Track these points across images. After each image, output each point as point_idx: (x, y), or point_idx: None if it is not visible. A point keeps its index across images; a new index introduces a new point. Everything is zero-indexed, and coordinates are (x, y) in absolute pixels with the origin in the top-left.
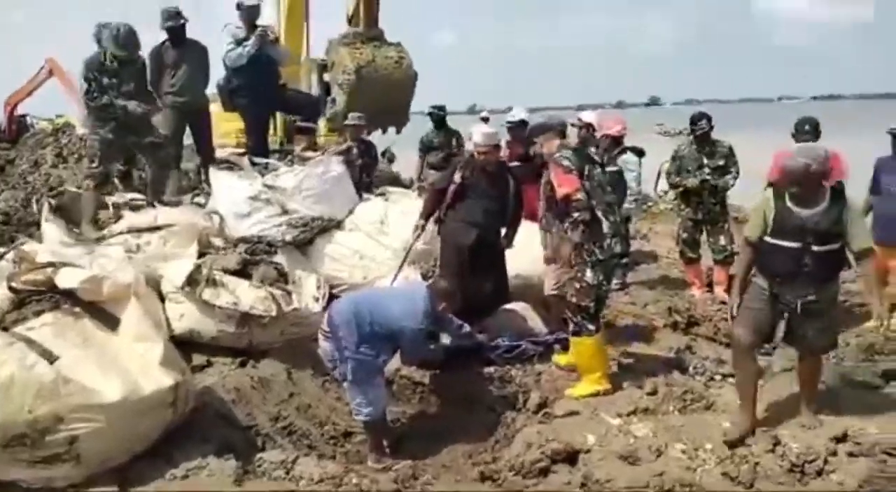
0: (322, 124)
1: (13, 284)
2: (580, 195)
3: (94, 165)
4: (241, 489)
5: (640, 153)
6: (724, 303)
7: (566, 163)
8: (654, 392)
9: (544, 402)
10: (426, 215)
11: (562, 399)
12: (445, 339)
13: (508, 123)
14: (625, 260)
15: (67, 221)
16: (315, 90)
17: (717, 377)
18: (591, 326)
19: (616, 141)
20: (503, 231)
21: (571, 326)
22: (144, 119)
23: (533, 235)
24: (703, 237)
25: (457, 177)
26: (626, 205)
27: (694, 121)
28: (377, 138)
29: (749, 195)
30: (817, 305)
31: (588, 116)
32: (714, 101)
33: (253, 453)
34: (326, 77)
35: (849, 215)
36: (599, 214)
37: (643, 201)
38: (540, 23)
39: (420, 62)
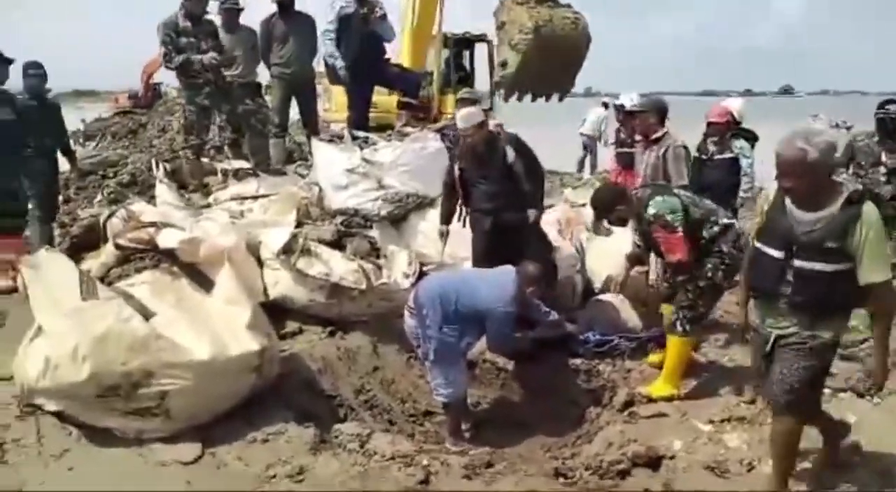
0: (450, 100)
1: (119, 241)
2: (690, 260)
3: (191, 137)
4: None
5: (752, 138)
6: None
7: (670, 218)
8: (752, 401)
9: (631, 400)
10: (446, 219)
11: (650, 399)
12: (534, 329)
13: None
14: None
15: (180, 186)
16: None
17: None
18: (690, 327)
19: (727, 127)
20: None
21: (671, 320)
22: (240, 86)
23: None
24: None
25: (455, 170)
26: (740, 194)
27: (881, 105)
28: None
29: None
30: (795, 347)
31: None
32: (855, 92)
33: (333, 424)
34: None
35: (862, 233)
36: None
37: (757, 193)
38: (667, 8)
39: None
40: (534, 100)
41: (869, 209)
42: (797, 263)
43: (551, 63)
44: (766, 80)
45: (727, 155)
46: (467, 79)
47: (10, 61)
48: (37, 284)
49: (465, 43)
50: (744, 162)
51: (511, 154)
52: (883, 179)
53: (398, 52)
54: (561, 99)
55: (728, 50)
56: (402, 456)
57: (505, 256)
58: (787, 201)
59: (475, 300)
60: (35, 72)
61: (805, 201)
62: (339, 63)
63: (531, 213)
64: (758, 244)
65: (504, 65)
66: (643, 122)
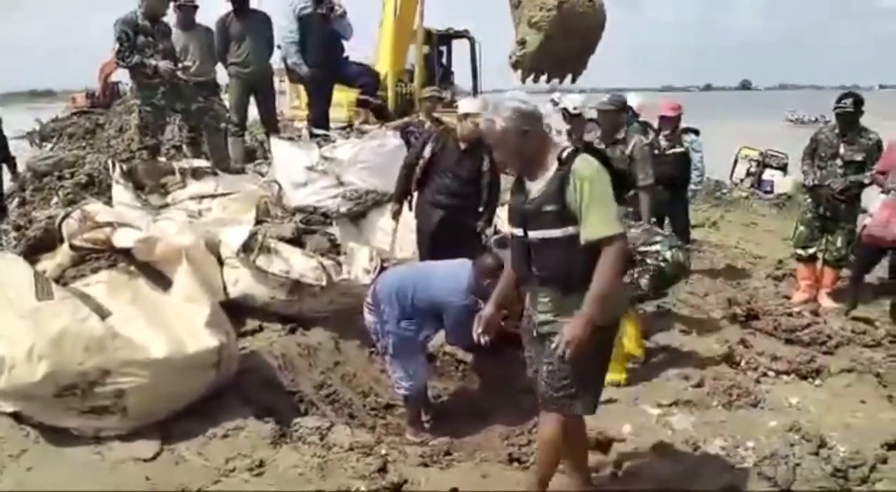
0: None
1: (74, 242)
2: None
3: (147, 137)
4: None
5: (695, 132)
6: (816, 313)
7: None
8: (699, 385)
9: None
10: (399, 198)
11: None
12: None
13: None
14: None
15: (137, 186)
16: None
17: (770, 374)
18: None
19: (678, 121)
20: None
21: None
22: (195, 85)
23: None
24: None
25: (426, 151)
26: (691, 186)
27: (839, 99)
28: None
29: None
30: (558, 336)
31: (632, 100)
32: (811, 86)
33: (293, 418)
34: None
35: (575, 188)
36: None
37: (717, 188)
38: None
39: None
40: (549, 81)
41: (581, 163)
42: (530, 234)
43: (571, 42)
44: (725, 75)
45: (678, 149)
46: (448, 76)
47: None
48: None
49: (446, 39)
50: (695, 156)
51: (487, 164)
52: (840, 171)
53: (375, 48)
54: (573, 81)
55: (689, 45)
56: (362, 447)
57: (446, 255)
58: (523, 177)
59: (431, 293)
60: None
61: (530, 172)
62: (304, 69)
63: (478, 225)
64: (508, 227)
65: (523, 43)
66: (612, 120)
